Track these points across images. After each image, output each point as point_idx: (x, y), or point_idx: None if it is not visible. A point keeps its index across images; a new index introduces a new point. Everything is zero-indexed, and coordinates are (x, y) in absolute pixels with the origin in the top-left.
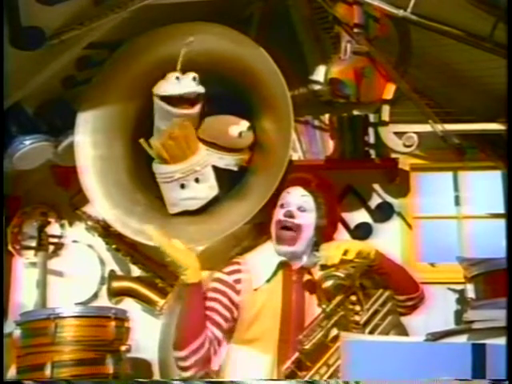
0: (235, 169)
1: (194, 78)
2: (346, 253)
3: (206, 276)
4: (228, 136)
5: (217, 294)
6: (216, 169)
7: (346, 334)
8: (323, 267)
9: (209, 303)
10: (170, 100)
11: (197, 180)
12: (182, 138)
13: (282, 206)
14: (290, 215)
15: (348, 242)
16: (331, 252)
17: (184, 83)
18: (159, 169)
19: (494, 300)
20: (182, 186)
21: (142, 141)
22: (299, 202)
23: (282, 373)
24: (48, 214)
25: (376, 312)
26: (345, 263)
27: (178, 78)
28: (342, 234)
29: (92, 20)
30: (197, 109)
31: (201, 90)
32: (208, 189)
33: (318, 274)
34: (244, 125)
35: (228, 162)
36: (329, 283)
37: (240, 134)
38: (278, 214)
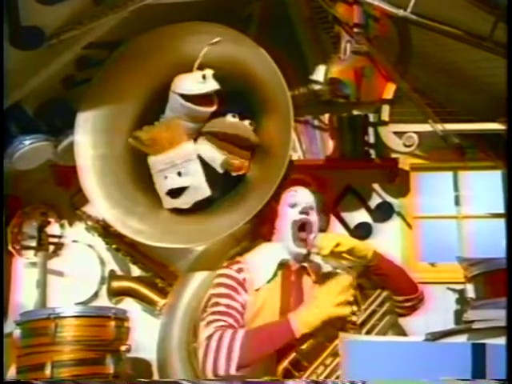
0: (219, 169)
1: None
2: (337, 245)
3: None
4: (225, 121)
5: (229, 290)
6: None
7: (344, 334)
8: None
9: (223, 300)
10: (192, 98)
11: (179, 174)
12: (164, 130)
13: (293, 205)
14: (306, 212)
15: (345, 236)
16: (324, 242)
17: (208, 82)
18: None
19: (493, 300)
20: (165, 178)
21: (130, 140)
22: (308, 201)
23: (279, 372)
24: (48, 214)
25: (373, 312)
26: (335, 256)
27: (204, 76)
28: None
29: (92, 20)
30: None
31: (217, 86)
32: (193, 191)
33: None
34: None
35: (214, 157)
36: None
37: (234, 117)
38: (293, 214)
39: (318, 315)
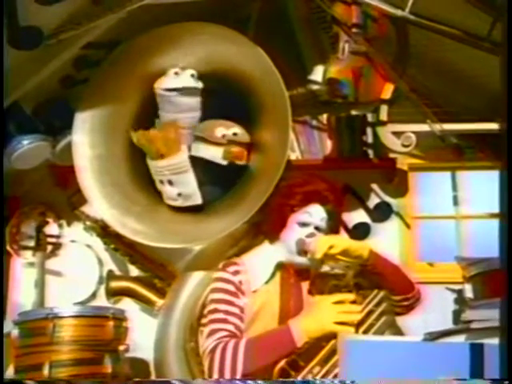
0: (223, 162)
1: (193, 75)
2: (331, 247)
3: None
4: (213, 135)
5: (227, 295)
6: (216, 167)
7: (342, 334)
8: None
9: (222, 306)
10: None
11: (170, 182)
12: (160, 137)
13: (302, 225)
14: (312, 236)
15: (339, 237)
16: (317, 246)
17: (183, 78)
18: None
19: (492, 300)
20: (161, 182)
21: (132, 133)
22: (319, 224)
23: (275, 372)
24: (46, 214)
25: (370, 312)
26: (329, 258)
27: (176, 73)
28: (340, 235)
29: (90, 20)
30: (196, 103)
31: (200, 85)
32: (185, 197)
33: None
34: (232, 129)
35: (214, 153)
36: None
37: (223, 137)
38: (299, 233)
39: (320, 328)
